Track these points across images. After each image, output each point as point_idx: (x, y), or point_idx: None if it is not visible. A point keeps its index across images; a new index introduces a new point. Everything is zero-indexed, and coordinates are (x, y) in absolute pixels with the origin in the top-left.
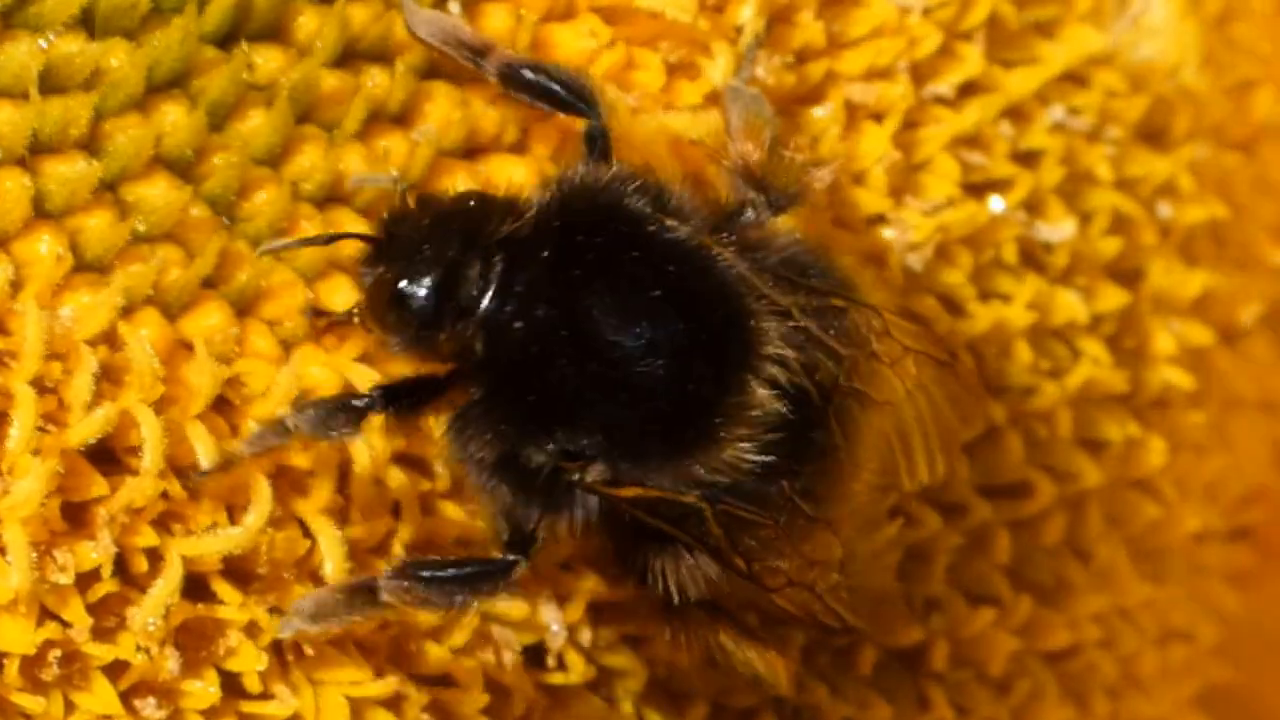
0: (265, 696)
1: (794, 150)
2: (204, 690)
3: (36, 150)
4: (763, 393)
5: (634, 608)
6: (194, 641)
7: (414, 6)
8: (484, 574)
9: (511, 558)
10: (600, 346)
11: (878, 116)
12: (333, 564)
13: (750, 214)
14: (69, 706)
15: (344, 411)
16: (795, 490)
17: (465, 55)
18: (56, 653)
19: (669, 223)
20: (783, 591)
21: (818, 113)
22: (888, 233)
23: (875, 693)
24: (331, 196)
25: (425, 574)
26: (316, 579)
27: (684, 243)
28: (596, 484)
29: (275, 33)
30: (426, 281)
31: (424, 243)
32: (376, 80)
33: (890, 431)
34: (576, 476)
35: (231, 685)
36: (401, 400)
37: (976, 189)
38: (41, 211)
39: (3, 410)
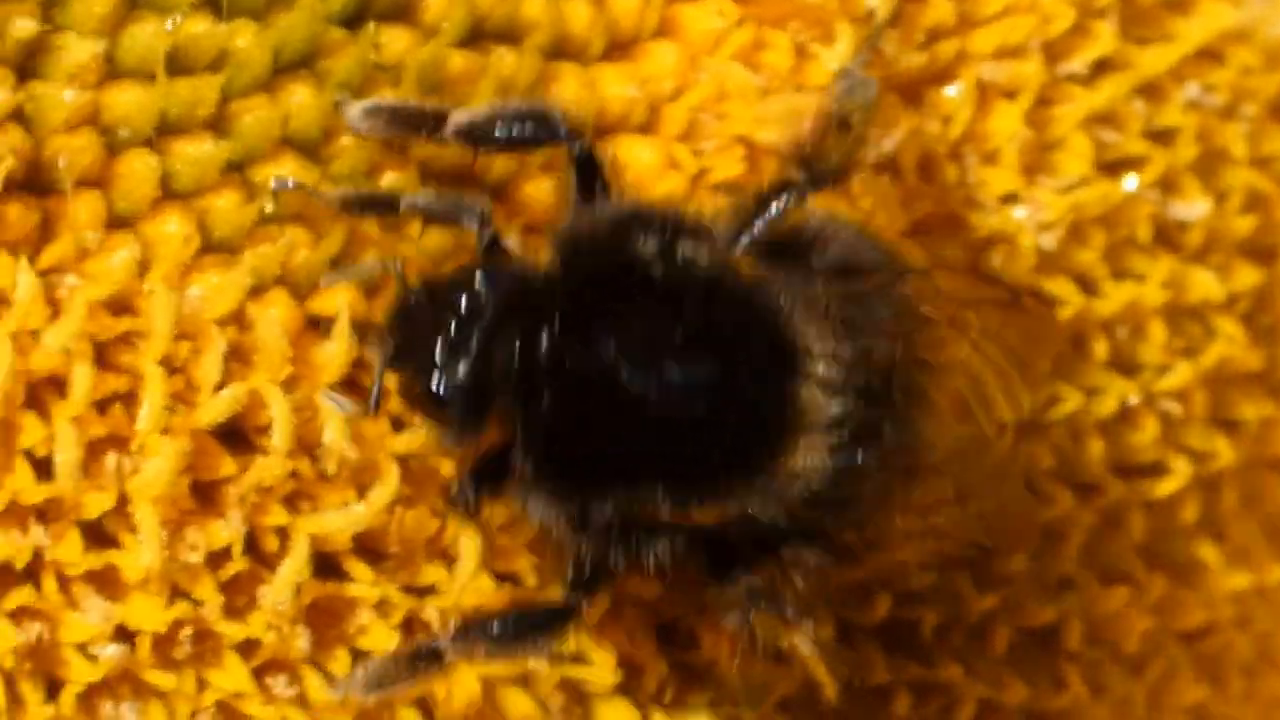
0: None
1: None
2: (338, 664)
3: (164, 131)
4: (819, 396)
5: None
6: (325, 620)
7: (350, 102)
8: (547, 622)
9: (573, 603)
10: (632, 400)
11: (1010, 95)
12: (465, 544)
13: (785, 198)
14: (201, 684)
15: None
16: (884, 454)
17: (421, 133)
18: (188, 631)
19: (682, 253)
20: (904, 549)
21: (949, 92)
22: (1019, 212)
23: (1011, 672)
24: (460, 177)
25: (487, 631)
26: (447, 558)
27: (701, 270)
28: (673, 520)
29: (402, 13)
30: (452, 378)
31: (436, 335)
32: (504, 60)
33: (965, 386)
34: (650, 520)
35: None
36: (484, 483)
37: (1110, 167)
38: (169, 192)
39: (132, 390)
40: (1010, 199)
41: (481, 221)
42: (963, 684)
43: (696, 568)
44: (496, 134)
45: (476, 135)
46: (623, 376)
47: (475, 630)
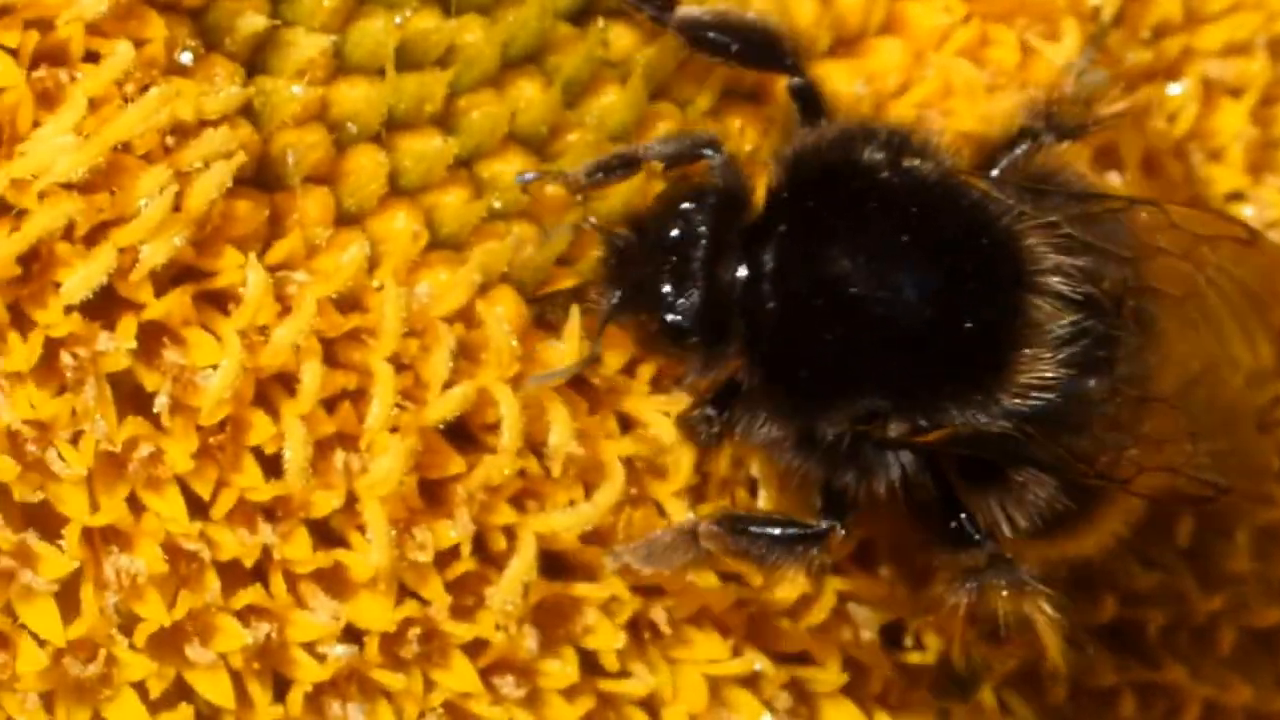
0: (623, 675)
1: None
2: (562, 669)
3: (392, 127)
4: (1048, 308)
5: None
6: (552, 620)
7: None
8: (801, 537)
9: (826, 525)
10: (859, 306)
11: (1235, 92)
12: None
13: (1027, 142)
14: (428, 684)
15: (701, 423)
16: (1115, 381)
17: (648, 7)
18: (416, 630)
19: (909, 163)
20: (1136, 481)
21: (1173, 90)
22: (1246, 210)
23: (1235, 673)
24: (685, 174)
25: (745, 527)
26: None
27: (928, 180)
28: (902, 437)
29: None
30: (687, 306)
31: (662, 269)
32: None
33: (1199, 320)
34: (878, 437)
35: (589, 663)
36: (725, 402)
37: None
38: (397, 188)
39: (361, 387)
40: (1236, 197)
41: (714, 148)
42: (1188, 686)
43: (926, 499)
44: (719, 40)
45: (698, 35)
46: (849, 284)
47: (731, 523)
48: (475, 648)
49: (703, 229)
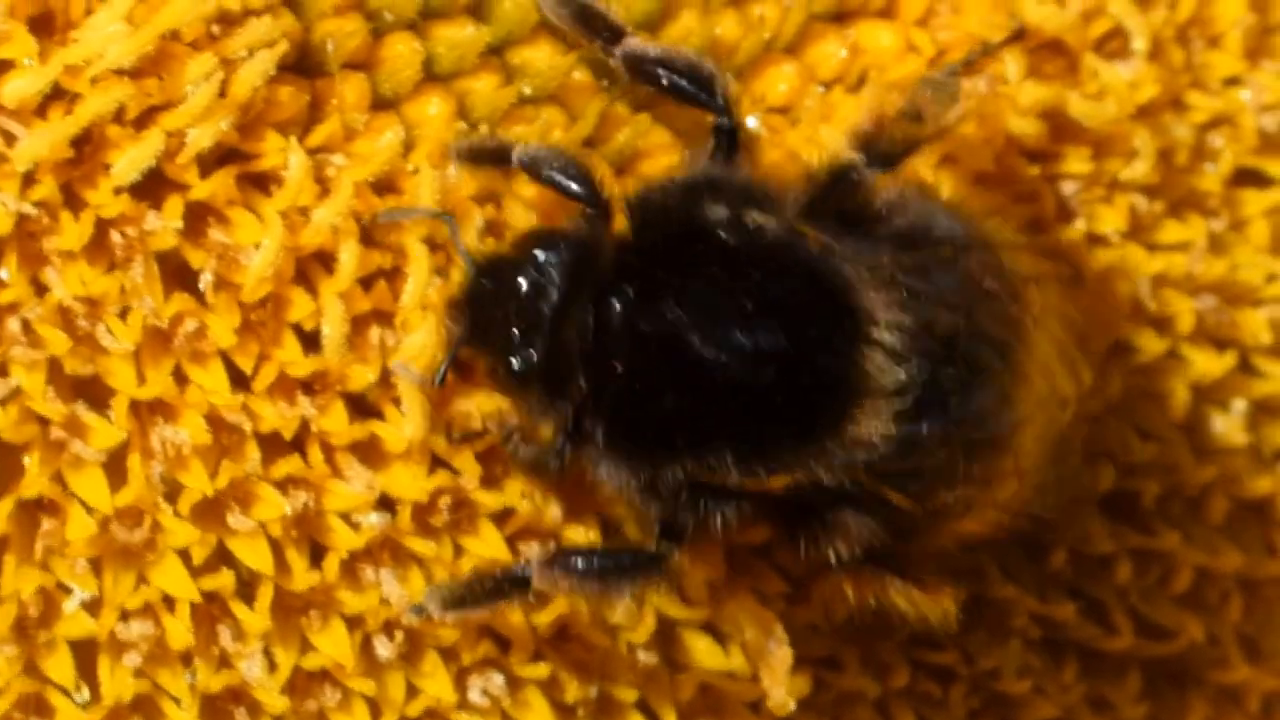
0: None
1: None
2: (585, 535)
3: (427, 15)
4: (883, 361)
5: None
6: (577, 489)
7: None
8: (637, 565)
9: (664, 551)
10: (701, 368)
11: None
12: None
13: (852, 175)
14: (458, 551)
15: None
16: (948, 425)
17: (596, 37)
18: (446, 500)
19: (752, 220)
20: (966, 519)
21: None
22: (1243, 94)
23: (1226, 540)
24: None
25: (579, 564)
26: None
27: (769, 238)
28: (740, 486)
29: None
30: (530, 356)
31: (510, 316)
32: None
33: (1027, 361)
34: (718, 484)
35: (611, 530)
36: (575, 439)
37: None
38: (431, 74)
39: (397, 266)
40: (1234, 82)
41: (585, 184)
42: (1181, 551)
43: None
44: (659, 76)
45: (640, 69)
46: (691, 344)
47: (564, 563)
48: (503, 516)
49: (554, 281)
